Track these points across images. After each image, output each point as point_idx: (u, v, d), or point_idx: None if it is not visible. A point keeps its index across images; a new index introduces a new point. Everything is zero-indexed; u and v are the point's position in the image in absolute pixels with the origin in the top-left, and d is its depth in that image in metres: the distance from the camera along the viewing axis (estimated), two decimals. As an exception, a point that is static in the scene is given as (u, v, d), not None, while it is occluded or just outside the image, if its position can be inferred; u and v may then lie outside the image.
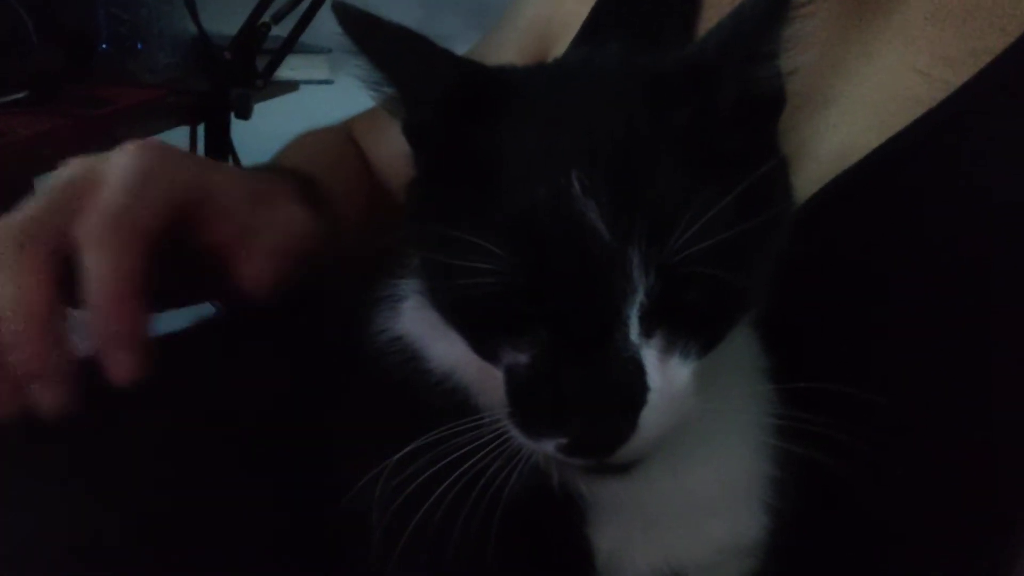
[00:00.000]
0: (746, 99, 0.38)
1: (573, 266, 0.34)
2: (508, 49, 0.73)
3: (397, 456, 0.38)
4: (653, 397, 0.35)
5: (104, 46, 1.36)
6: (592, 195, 0.34)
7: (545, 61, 0.45)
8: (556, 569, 0.42)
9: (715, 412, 0.40)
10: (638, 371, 0.35)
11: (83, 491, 0.44)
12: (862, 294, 0.49)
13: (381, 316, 0.45)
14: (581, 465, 0.38)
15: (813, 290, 0.44)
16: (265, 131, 1.21)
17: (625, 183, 0.35)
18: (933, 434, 0.47)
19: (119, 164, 0.44)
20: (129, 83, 1.31)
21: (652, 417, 0.35)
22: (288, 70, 1.44)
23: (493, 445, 0.38)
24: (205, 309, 0.53)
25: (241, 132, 1.32)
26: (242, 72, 1.29)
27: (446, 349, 0.43)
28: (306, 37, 1.29)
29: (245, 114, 1.28)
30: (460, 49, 0.76)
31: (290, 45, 1.31)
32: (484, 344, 0.39)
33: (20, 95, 1.15)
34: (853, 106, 0.54)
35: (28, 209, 0.43)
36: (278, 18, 1.26)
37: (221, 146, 1.30)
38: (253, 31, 1.26)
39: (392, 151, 0.43)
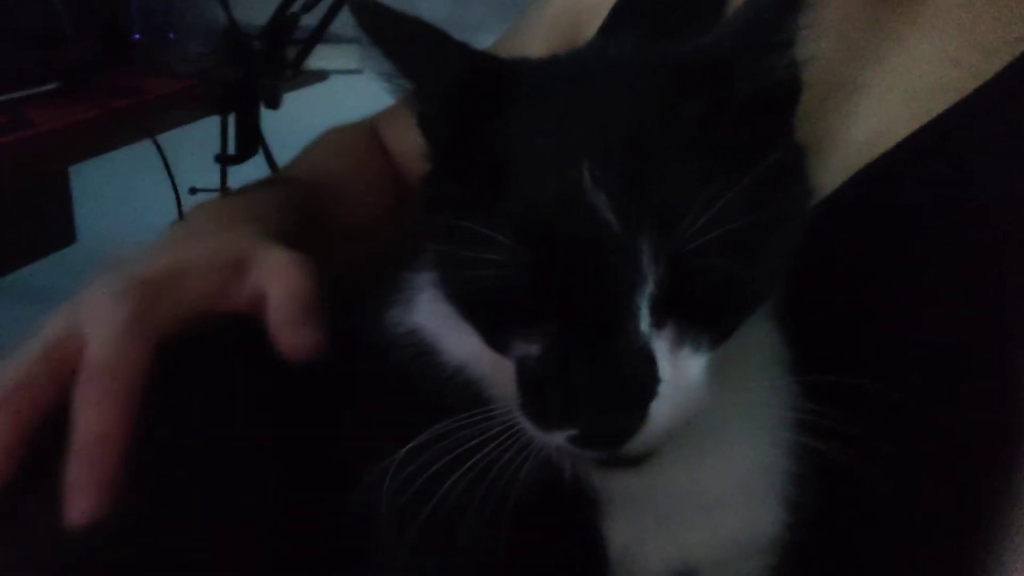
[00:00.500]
0: (761, 89, 0.37)
1: (583, 257, 0.34)
2: (536, 39, 0.73)
3: (405, 448, 0.38)
4: (663, 389, 0.35)
5: (137, 36, 1.37)
6: (602, 186, 0.34)
7: (560, 53, 0.44)
8: (569, 563, 0.42)
9: (731, 405, 0.39)
10: (648, 362, 0.35)
11: None
12: (892, 285, 0.47)
13: (396, 309, 0.45)
14: (592, 457, 0.38)
15: (840, 281, 0.43)
16: (294, 120, 1.23)
17: (636, 175, 0.34)
18: (957, 432, 0.46)
19: (100, 317, 0.42)
20: (161, 73, 1.33)
21: (662, 409, 0.35)
22: (318, 60, 1.44)
23: (504, 437, 0.38)
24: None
25: (271, 121, 1.33)
26: (272, 62, 1.30)
27: (460, 342, 0.43)
28: (335, 27, 1.29)
29: (275, 104, 1.29)
30: (488, 39, 0.77)
31: (319, 35, 1.32)
32: (495, 336, 0.39)
33: (54, 85, 1.17)
34: (883, 94, 0.52)
35: (11, 370, 0.41)
36: (308, 8, 1.27)
37: (251, 135, 1.32)
38: (283, 21, 1.27)
39: (415, 146, 0.43)
